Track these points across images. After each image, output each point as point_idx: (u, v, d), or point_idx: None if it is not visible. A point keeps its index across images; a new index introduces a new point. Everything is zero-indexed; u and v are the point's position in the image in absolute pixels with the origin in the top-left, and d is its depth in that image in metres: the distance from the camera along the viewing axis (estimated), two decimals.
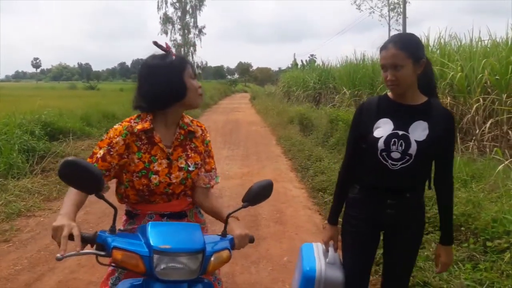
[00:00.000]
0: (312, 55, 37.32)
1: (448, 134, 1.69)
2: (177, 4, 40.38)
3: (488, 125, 6.10)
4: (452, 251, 1.81)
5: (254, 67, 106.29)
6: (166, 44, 1.55)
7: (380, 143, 1.65)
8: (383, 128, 1.67)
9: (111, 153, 1.47)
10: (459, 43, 8.55)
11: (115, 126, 1.52)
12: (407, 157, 1.63)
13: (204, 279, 1.30)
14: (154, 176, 1.49)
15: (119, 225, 1.46)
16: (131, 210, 1.58)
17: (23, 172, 5.77)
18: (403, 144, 1.63)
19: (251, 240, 1.44)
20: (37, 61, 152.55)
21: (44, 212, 4.62)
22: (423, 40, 8.95)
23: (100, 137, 9.24)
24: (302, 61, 25.25)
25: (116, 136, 1.48)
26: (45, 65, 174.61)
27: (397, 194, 1.71)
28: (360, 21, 51.60)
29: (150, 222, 1.28)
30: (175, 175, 1.52)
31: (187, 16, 41.39)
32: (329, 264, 1.79)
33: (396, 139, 1.64)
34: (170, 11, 40.93)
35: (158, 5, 40.26)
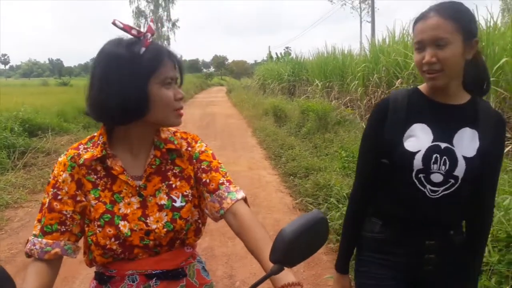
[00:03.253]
0: (287, 47, 37.83)
1: (498, 147, 1.24)
2: None
3: None
4: None
5: (230, 60, 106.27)
6: (143, 28, 1.04)
7: (417, 161, 1.19)
8: (418, 138, 1.20)
9: (59, 197, 1.03)
10: None
11: (59, 158, 1.08)
12: (452, 181, 1.18)
13: None
14: (122, 222, 1.03)
15: None
16: (102, 272, 1.09)
17: (6, 168, 5.97)
18: (447, 161, 1.18)
19: None
20: (5, 57, 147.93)
21: (31, 203, 4.87)
22: (388, 33, 9.52)
23: (78, 132, 9.45)
24: (277, 53, 25.63)
25: (61, 172, 1.04)
26: (14, 62, 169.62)
27: (436, 233, 1.26)
28: (332, 13, 52.39)
29: None
30: (154, 217, 1.06)
31: (160, 10, 41.16)
32: None
33: (438, 155, 1.18)
34: (143, 4, 40.70)
35: None
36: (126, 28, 1.00)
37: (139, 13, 40.47)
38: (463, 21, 1.14)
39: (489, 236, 2.44)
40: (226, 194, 1.08)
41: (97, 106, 1.01)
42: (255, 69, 32.83)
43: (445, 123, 1.21)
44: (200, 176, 1.12)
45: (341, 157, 5.52)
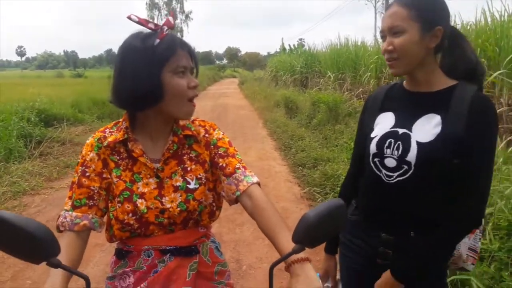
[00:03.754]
0: (301, 39, 37.59)
1: (475, 133, 1.08)
2: None
3: None
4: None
5: (243, 52, 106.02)
6: (159, 23, 1.10)
7: (372, 145, 1.24)
8: (382, 125, 1.25)
9: (87, 174, 1.13)
10: None
11: (87, 140, 1.19)
12: (405, 167, 1.16)
13: None
14: (140, 200, 1.12)
15: (108, 271, 1.23)
16: (121, 248, 1.18)
17: (23, 156, 6.17)
18: (401, 146, 1.17)
19: None
20: (22, 49, 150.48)
21: (47, 190, 5.05)
22: None
23: (92, 123, 9.65)
24: (290, 45, 25.49)
25: (89, 152, 1.15)
26: (30, 53, 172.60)
27: (396, 227, 1.22)
28: (346, 4, 51.76)
29: None
30: (169, 197, 1.13)
31: (174, 2, 41.29)
32: None
33: (392, 140, 1.19)
34: None
35: None
36: (142, 22, 1.07)
37: (152, 5, 40.73)
38: (421, 9, 1.12)
39: (490, 224, 2.53)
40: (243, 177, 1.14)
41: (116, 95, 1.09)
42: (268, 61, 32.71)
43: (409, 110, 1.20)
44: (217, 161, 1.18)
45: (350, 148, 5.56)
